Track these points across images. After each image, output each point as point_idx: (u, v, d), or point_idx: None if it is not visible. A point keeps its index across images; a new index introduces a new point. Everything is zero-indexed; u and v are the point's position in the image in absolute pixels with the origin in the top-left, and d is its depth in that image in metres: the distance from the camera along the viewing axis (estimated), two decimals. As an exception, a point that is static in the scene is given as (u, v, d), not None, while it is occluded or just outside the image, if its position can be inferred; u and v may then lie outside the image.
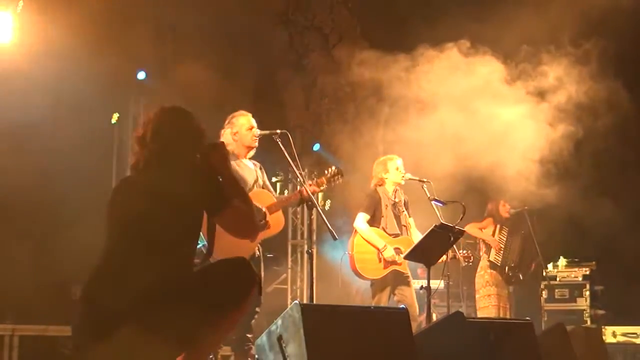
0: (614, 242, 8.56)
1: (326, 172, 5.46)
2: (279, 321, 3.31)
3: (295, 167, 4.95)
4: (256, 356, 3.37)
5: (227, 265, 3.01)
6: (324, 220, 4.88)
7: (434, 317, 6.02)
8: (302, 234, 9.72)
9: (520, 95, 7.37)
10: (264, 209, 4.95)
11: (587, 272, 8.28)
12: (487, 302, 7.60)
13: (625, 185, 8.88)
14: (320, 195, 7.16)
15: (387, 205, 6.10)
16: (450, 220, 5.57)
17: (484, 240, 7.80)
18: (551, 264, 8.46)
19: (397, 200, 6.17)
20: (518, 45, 7.72)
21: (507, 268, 7.73)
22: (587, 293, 8.13)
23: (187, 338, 2.89)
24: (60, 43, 6.77)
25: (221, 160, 3.14)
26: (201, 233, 3.11)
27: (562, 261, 8.51)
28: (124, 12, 7.55)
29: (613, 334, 7.77)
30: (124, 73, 8.04)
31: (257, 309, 4.99)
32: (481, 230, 7.83)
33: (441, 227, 5.38)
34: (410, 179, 6.12)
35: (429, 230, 5.39)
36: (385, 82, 7.93)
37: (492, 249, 7.73)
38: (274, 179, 5.94)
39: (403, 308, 3.66)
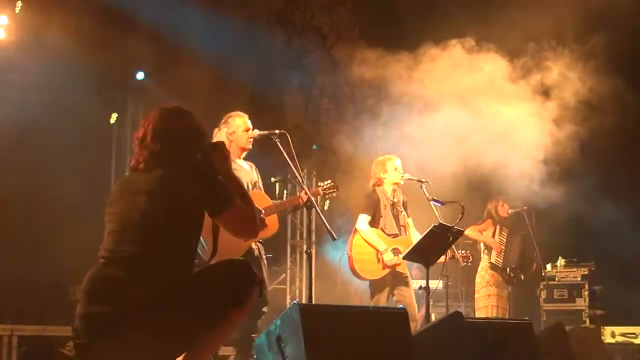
0: (613, 242, 8.55)
1: (321, 184, 5.49)
2: (278, 321, 3.31)
3: (295, 167, 4.94)
4: (255, 356, 3.36)
5: (228, 266, 3.01)
6: (323, 221, 4.88)
7: (433, 317, 6.02)
8: (301, 234, 9.72)
9: (522, 94, 7.36)
10: (263, 211, 4.96)
11: (586, 272, 8.27)
12: (487, 302, 7.60)
13: (625, 185, 8.88)
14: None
15: (385, 205, 6.10)
16: (450, 220, 5.57)
17: (485, 243, 7.81)
18: (550, 264, 8.46)
19: (395, 200, 6.17)
20: (517, 45, 7.71)
21: (508, 269, 7.73)
22: (586, 293, 8.12)
23: (187, 338, 2.89)
24: (59, 43, 6.77)
25: (222, 161, 3.14)
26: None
27: (560, 261, 8.51)
28: (122, 12, 7.55)
29: (612, 334, 7.76)
30: (122, 73, 8.05)
31: (265, 309, 5.00)
32: (481, 233, 7.83)
33: (440, 227, 5.38)
34: (409, 179, 6.12)
35: (427, 230, 5.39)
36: (384, 81, 7.92)
37: (492, 251, 7.73)
38: (272, 179, 5.94)
39: (402, 308, 3.65)
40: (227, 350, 5.52)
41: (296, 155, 4.98)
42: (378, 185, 6.19)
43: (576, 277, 8.30)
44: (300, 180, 5.01)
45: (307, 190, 5.01)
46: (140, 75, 8.19)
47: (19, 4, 6.64)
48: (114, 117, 8.05)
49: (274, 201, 5.23)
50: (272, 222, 5.07)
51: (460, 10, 8.43)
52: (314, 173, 9.49)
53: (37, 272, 6.82)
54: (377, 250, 5.94)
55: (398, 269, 5.97)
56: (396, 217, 6.13)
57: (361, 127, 8.93)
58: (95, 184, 7.64)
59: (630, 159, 8.94)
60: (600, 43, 7.59)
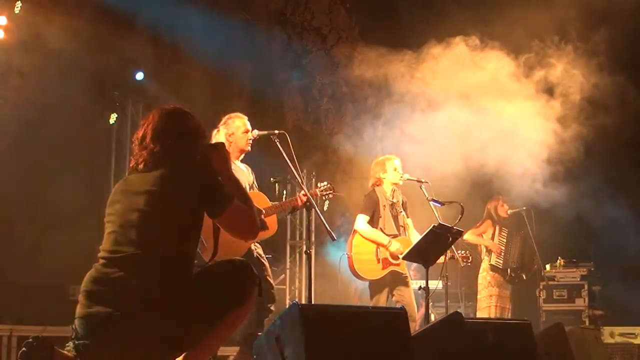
0: (614, 242, 8.55)
1: (319, 185, 5.50)
2: (277, 321, 3.30)
3: (294, 167, 4.94)
4: (255, 356, 3.36)
5: (228, 266, 3.01)
6: (323, 222, 4.88)
7: (433, 318, 6.01)
8: (300, 235, 9.72)
9: (525, 92, 7.36)
10: (263, 211, 4.96)
11: (585, 273, 8.27)
12: (489, 302, 7.61)
13: (626, 185, 8.88)
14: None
15: (385, 205, 6.09)
16: (450, 220, 5.57)
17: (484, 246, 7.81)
18: (549, 264, 8.46)
19: (395, 200, 6.16)
20: (520, 42, 7.69)
21: (509, 270, 7.73)
22: (585, 293, 8.12)
23: (187, 339, 2.89)
24: (58, 43, 6.77)
25: (221, 161, 3.14)
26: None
27: (560, 262, 8.51)
28: (122, 12, 7.56)
29: (611, 334, 7.76)
30: (122, 73, 8.05)
31: (272, 307, 5.00)
32: (481, 236, 7.82)
33: (440, 227, 5.38)
34: (408, 179, 6.11)
35: (427, 230, 5.39)
36: (386, 80, 7.92)
37: (492, 253, 7.73)
38: (272, 180, 5.93)
39: (401, 308, 3.65)
40: (227, 351, 5.53)
41: (295, 156, 4.98)
42: (377, 186, 6.18)
43: (575, 277, 8.30)
44: (300, 180, 5.01)
45: (306, 190, 5.01)
46: (139, 76, 8.19)
47: (19, 4, 6.65)
48: (113, 118, 8.04)
49: (273, 202, 5.24)
50: (271, 223, 5.07)
51: (461, 10, 8.44)
52: (314, 173, 9.49)
53: (37, 272, 6.82)
54: (382, 245, 5.92)
55: (398, 269, 5.96)
56: (395, 218, 6.12)
57: (361, 127, 8.93)
58: (95, 184, 7.65)
59: (631, 159, 8.94)
60: (604, 40, 7.57)
